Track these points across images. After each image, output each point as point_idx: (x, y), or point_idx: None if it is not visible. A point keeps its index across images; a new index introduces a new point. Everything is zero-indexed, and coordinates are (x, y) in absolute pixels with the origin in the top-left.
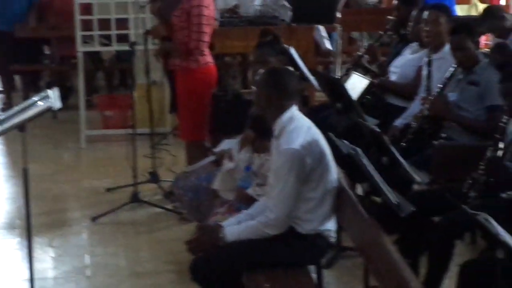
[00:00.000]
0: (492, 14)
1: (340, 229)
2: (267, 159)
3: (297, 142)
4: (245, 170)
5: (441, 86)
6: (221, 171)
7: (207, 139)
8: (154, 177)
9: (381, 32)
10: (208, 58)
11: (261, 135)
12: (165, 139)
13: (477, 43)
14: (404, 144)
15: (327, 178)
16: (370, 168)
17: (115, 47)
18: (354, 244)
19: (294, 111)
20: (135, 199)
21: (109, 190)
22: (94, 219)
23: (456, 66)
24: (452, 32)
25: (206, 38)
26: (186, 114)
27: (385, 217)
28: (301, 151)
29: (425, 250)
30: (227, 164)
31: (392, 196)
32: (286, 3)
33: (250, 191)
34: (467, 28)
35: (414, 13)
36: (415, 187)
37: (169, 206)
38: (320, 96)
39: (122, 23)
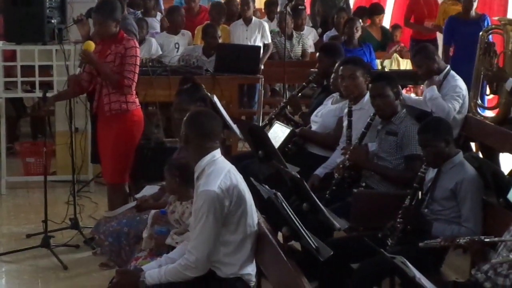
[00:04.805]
0: (426, 53)
1: (260, 274)
2: (188, 207)
3: (215, 184)
4: (161, 213)
5: (360, 136)
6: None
7: (128, 183)
8: (74, 224)
9: (303, 84)
10: (138, 101)
11: (185, 183)
12: (87, 186)
13: (397, 94)
14: (327, 195)
15: (247, 222)
16: (290, 212)
17: (38, 93)
18: None
19: (216, 155)
20: (45, 244)
21: (29, 236)
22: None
23: (374, 114)
24: (372, 80)
25: (137, 79)
26: (115, 157)
27: (305, 264)
28: (219, 193)
29: None
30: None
31: (312, 241)
32: (204, 56)
33: (168, 240)
34: (387, 77)
35: (337, 64)
36: (335, 233)
37: (90, 252)
38: (242, 147)
39: (45, 70)
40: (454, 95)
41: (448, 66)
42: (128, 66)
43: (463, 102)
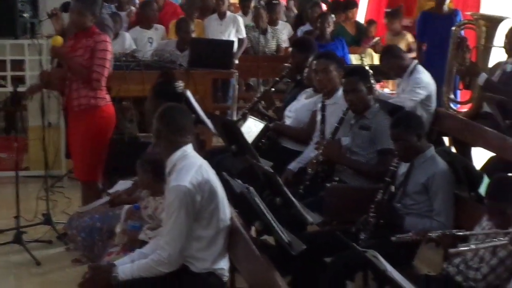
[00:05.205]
0: (392, 53)
1: (233, 268)
2: (161, 202)
3: (186, 179)
4: (134, 208)
5: (333, 131)
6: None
7: (100, 180)
8: (47, 219)
9: (277, 79)
10: (109, 97)
11: (158, 178)
12: (60, 181)
13: (370, 89)
14: (301, 190)
15: (220, 217)
16: (263, 206)
17: (10, 88)
18: (247, 283)
19: (187, 150)
20: (17, 240)
21: (1, 232)
22: None
23: (347, 109)
24: (345, 75)
25: (107, 74)
26: (85, 153)
27: (278, 258)
28: (190, 188)
29: None
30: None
31: (284, 235)
32: (177, 50)
33: (141, 235)
34: (360, 72)
35: (310, 59)
36: (308, 227)
37: (63, 248)
38: (217, 142)
39: (18, 64)
40: (414, 86)
41: (415, 61)
42: (97, 60)
43: (431, 95)
